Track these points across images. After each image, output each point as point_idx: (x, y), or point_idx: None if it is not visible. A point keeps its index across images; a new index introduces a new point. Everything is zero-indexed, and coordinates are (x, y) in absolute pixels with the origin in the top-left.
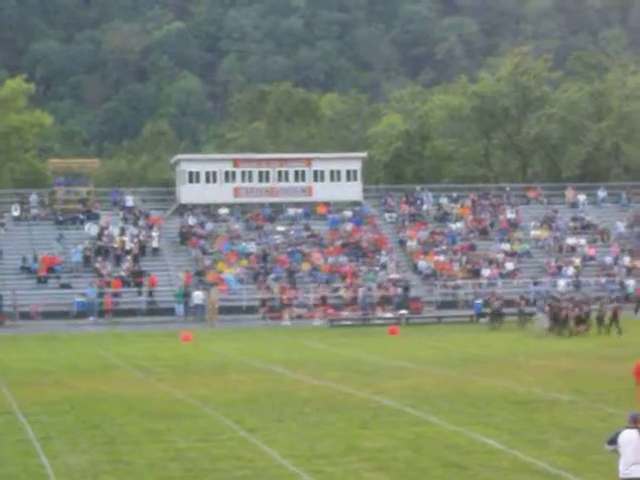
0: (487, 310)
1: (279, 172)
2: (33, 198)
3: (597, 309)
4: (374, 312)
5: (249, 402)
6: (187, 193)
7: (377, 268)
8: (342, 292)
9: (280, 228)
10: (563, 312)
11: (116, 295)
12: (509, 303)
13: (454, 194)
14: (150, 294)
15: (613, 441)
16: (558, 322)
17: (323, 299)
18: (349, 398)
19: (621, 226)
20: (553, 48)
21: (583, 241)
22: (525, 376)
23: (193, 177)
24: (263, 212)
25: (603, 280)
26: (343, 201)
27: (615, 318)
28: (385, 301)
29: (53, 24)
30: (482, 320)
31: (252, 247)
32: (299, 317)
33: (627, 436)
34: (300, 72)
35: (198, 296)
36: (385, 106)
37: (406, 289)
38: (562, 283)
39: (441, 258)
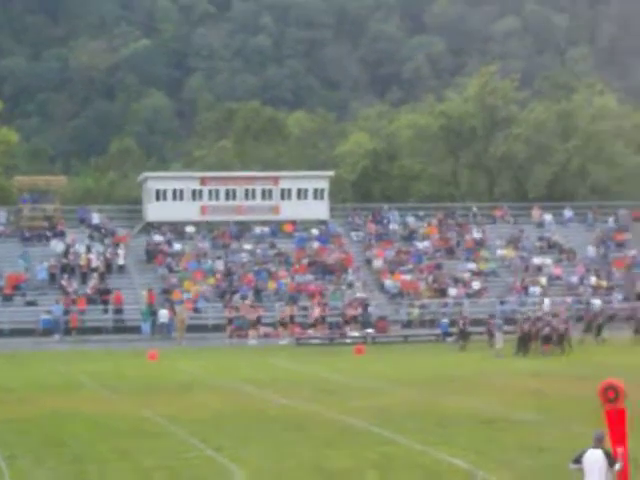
0: (454, 330)
1: (246, 190)
2: (0, 215)
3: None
4: (342, 331)
5: (215, 421)
6: (154, 211)
7: (343, 287)
8: (310, 311)
9: (247, 246)
10: (521, 332)
11: (82, 313)
12: (476, 322)
13: (421, 213)
14: (117, 312)
15: (578, 461)
16: (521, 342)
17: (290, 318)
18: (316, 417)
19: (592, 250)
20: (520, 68)
21: (549, 261)
22: (491, 396)
23: (160, 195)
24: (230, 230)
25: (569, 300)
26: (310, 220)
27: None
28: (353, 320)
29: (20, 41)
30: (449, 339)
31: (218, 265)
32: (266, 336)
33: (592, 456)
34: (268, 90)
35: (164, 314)
36: (352, 125)
37: (365, 307)
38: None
39: (407, 277)
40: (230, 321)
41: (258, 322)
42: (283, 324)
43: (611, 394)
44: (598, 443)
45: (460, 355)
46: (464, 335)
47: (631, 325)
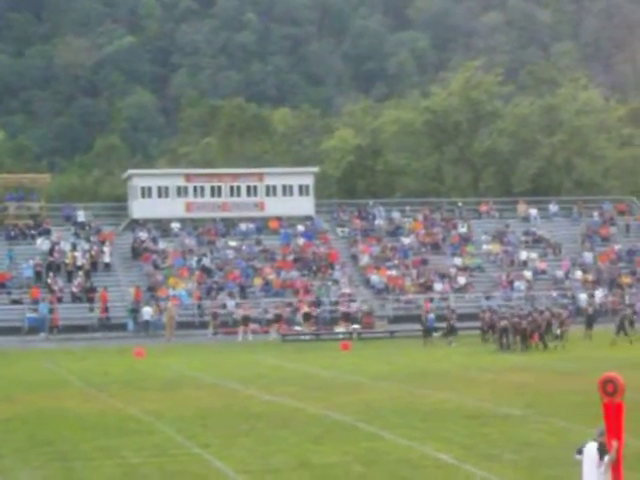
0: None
1: (231, 187)
2: None
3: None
4: (328, 327)
5: (202, 418)
6: (139, 208)
7: (329, 283)
8: (302, 307)
9: (232, 243)
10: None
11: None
12: (463, 317)
13: (406, 208)
14: (104, 310)
15: (580, 452)
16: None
17: (278, 315)
18: (301, 413)
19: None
20: (504, 62)
21: (535, 255)
22: (477, 390)
23: (145, 192)
24: (215, 227)
25: (554, 294)
26: (295, 216)
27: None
28: (342, 316)
29: (4, 39)
30: (435, 334)
31: (204, 262)
32: (253, 332)
33: (588, 448)
34: (252, 87)
35: (147, 312)
36: (337, 121)
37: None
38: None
39: (393, 273)
40: (215, 316)
41: (247, 320)
42: (273, 321)
43: (610, 388)
44: (598, 437)
45: (446, 350)
46: (452, 330)
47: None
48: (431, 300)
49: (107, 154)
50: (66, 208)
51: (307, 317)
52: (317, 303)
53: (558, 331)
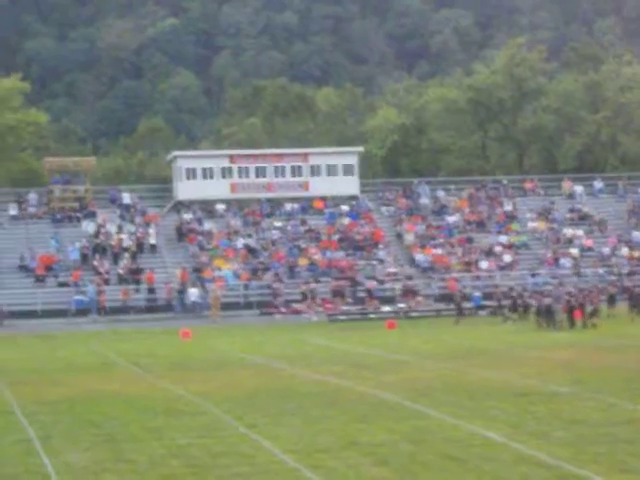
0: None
1: (276, 167)
2: (32, 197)
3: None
4: (374, 306)
5: (249, 398)
6: (184, 189)
7: (374, 262)
8: (361, 286)
9: (277, 224)
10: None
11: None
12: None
13: (451, 187)
14: (149, 291)
15: None
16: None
17: (337, 291)
18: (349, 392)
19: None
20: (548, 39)
21: (580, 232)
22: (524, 368)
23: (190, 173)
24: (260, 208)
25: (601, 271)
26: (340, 196)
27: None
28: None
29: (47, 22)
30: (481, 312)
31: (250, 243)
32: (296, 312)
33: None
34: (295, 67)
35: (194, 293)
36: (380, 99)
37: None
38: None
39: (438, 251)
40: (275, 295)
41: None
42: (335, 295)
43: None
44: None
45: (492, 328)
46: (526, 309)
47: None
48: (478, 278)
49: (151, 136)
50: (111, 190)
51: (369, 293)
52: (355, 283)
53: (590, 309)
